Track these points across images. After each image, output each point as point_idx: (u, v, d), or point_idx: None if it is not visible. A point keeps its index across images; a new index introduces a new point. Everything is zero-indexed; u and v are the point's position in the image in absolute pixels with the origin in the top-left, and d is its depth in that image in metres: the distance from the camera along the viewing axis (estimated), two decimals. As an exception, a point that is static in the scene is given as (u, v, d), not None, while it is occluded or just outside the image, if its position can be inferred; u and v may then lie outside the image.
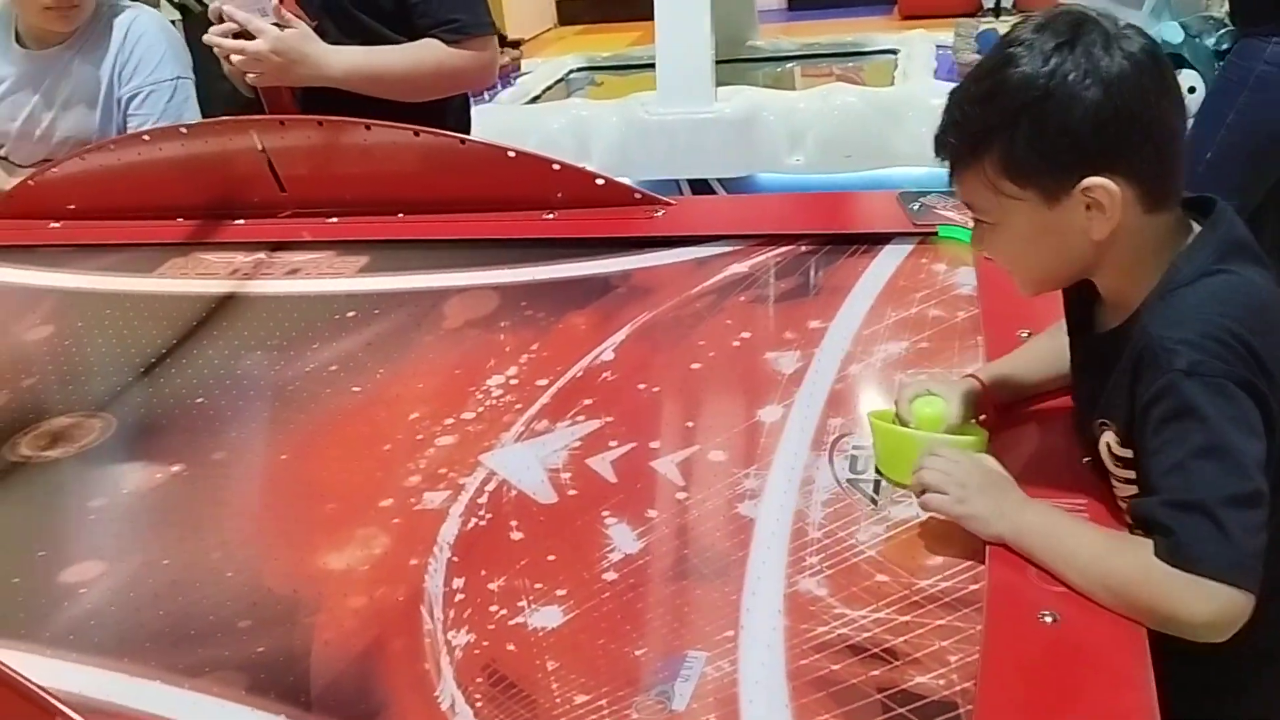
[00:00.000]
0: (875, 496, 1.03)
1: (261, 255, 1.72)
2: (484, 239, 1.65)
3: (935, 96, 2.56)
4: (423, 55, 1.72)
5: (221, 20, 1.67)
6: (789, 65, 3.32)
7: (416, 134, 1.64)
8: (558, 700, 0.81)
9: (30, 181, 1.87)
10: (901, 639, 0.84)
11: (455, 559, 1.01)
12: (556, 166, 1.63)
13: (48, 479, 1.24)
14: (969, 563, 0.92)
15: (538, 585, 0.96)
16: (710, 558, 0.98)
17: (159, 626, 0.95)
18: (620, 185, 1.64)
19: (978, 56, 2.73)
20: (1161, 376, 0.84)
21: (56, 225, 1.85)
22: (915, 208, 1.52)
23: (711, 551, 0.98)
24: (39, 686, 0.69)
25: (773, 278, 1.47)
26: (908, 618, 0.86)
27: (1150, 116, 0.87)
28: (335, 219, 1.76)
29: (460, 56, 1.73)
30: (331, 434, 1.28)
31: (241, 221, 1.80)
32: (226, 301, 1.61)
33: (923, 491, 0.93)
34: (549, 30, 8.65)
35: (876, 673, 0.81)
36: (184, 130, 1.77)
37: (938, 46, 2.91)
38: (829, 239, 1.52)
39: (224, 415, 1.33)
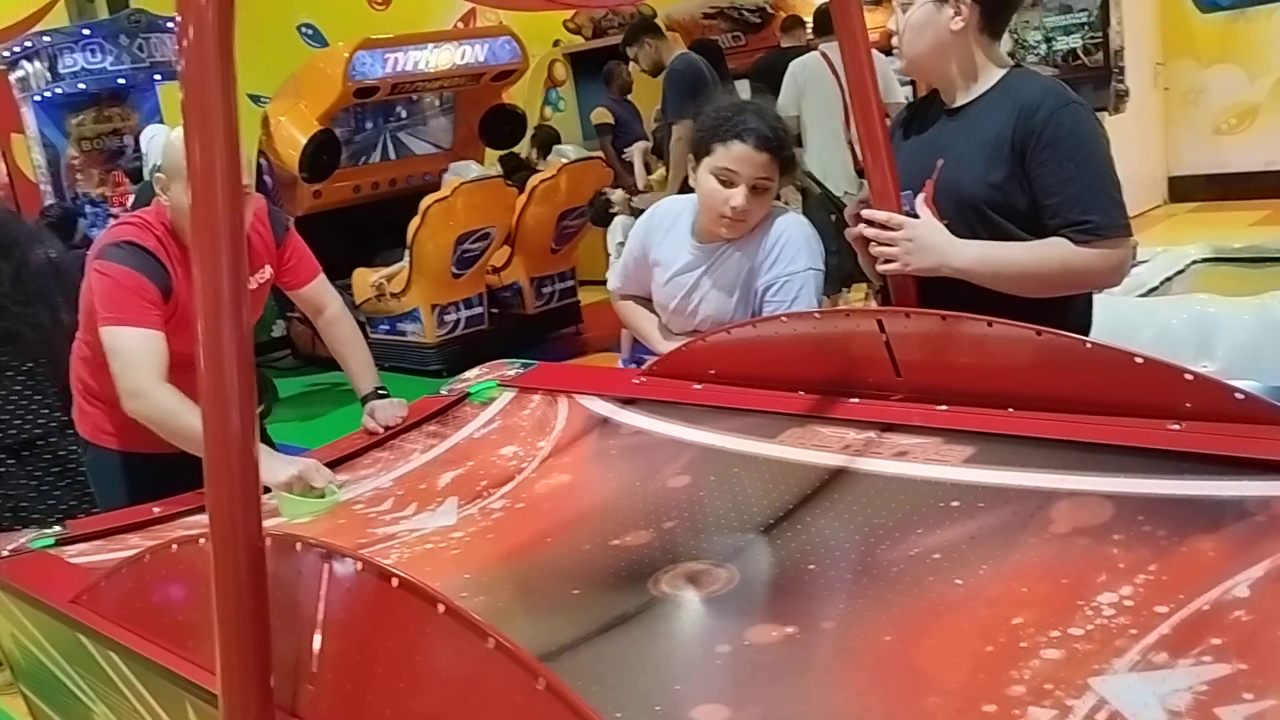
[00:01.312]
0: None
1: (872, 434, 1.83)
2: (1099, 443, 1.60)
3: None
4: (1048, 253, 1.75)
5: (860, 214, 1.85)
6: None
7: (1039, 333, 1.66)
8: None
9: (683, 348, 2.17)
10: None
11: (1064, 787, 0.98)
12: (1189, 376, 1.55)
13: (682, 616, 1.41)
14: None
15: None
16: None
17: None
18: (1266, 403, 1.51)
19: None
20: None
21: (699, 387, 2.13)
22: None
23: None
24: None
25: None
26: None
27: None
28: (945, 407, 1.82)
29: (1088, 256, 1.73)
30: (933, 624, 1.31)
31: (856, 400, 1.93)
32: (838, 475, 1.73)
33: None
34: (1158, 207, 8.21)
35: None
36: (817, 315, 1.96)
37: None
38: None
39: (833, 585, 1.43)
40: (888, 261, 1.86)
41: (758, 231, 2.20)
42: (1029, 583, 1.35)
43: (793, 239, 2.17)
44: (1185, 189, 8.28)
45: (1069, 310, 1.82)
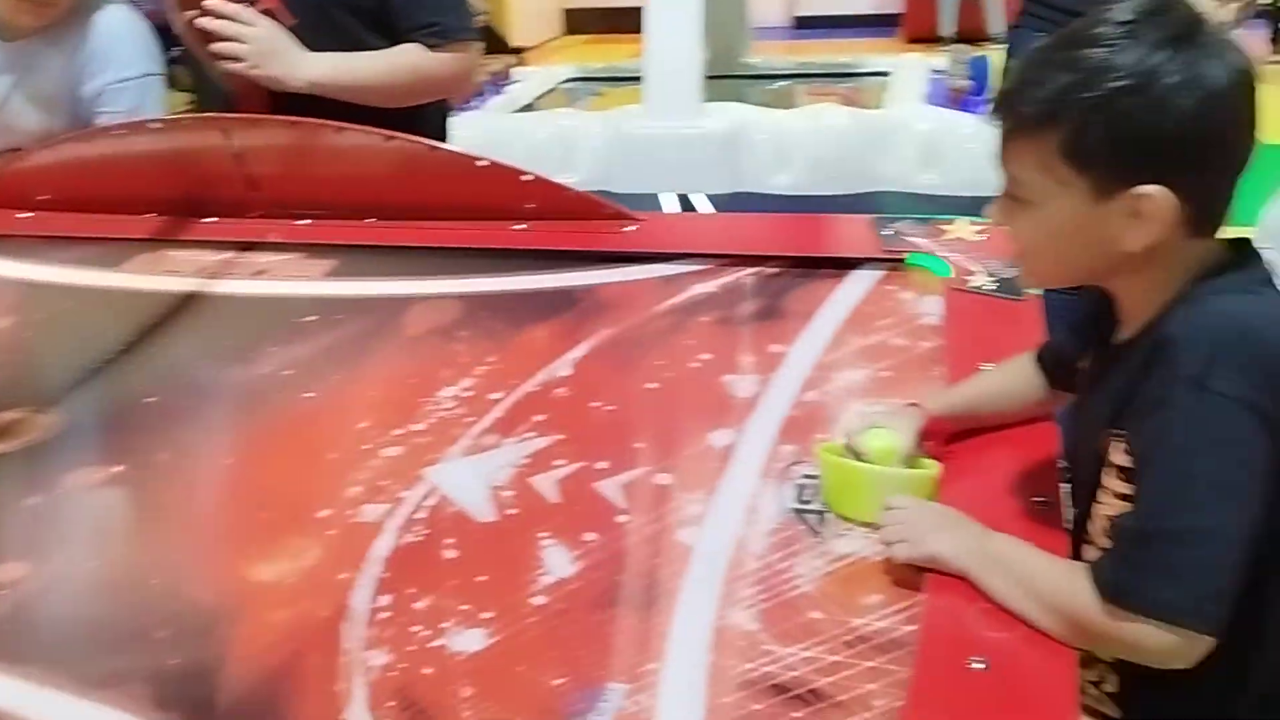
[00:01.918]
0: (819, 528, 1.01)
1: (230, 255, 1.70)
2: (452, 247, 1.62)
3: (923, 121, 2.55)
4: (399, 61, 1.70)
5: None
6: (782, 84, 3.30)
7: (388, 139, 1.62)
8: (467, 730, 0.79)
9: (2, 170, 1.85)
10: (828, 680, 0.82)
11: (385, 575, 0.99)
12: (527, 177, 1.61)
13: (-16, 474, 1.22)
14: (907, 602, 0.89)
15: (464, 607, 0.94)
16: (644, 585, 0.95)
17: (73, 633, 0.93)
18: (592, 198, 1.62)
19: (969, 83, 2.73)
20: (1167, 380, 0.80)
21: (26, 215, 1.83)
22: (889, 234, 1.50)
23: (646, 579, 0.96)
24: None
25: (738, 299, 1.45)
26: (838, 658, 0.84)
27: (1233, 140, 0.84)
28: (306, 221, 1.74)
29: (439, 61, 1.71)
30: (278, 440, 1.26)
31: (213, 220, 1.78)
32: (190, 300, 1.59)
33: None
34: (555, 39, 8.66)
35: (798, 715, 0.79)
36: (155, 126, 1.75)
37: (932, 71, 2.90)
38: (798, 261, 1.49)
39: (173, 416, 1.31)
40: (233, 61, 1.68)
41: (75, 29, 1.89)
42: (378, 387, 1.35)
43: (122, 38, 1.90)
44: (579, 22, 8.82)
45: (424, 119, 1.80)
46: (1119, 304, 0.93)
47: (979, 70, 2.66)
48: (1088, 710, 0.95)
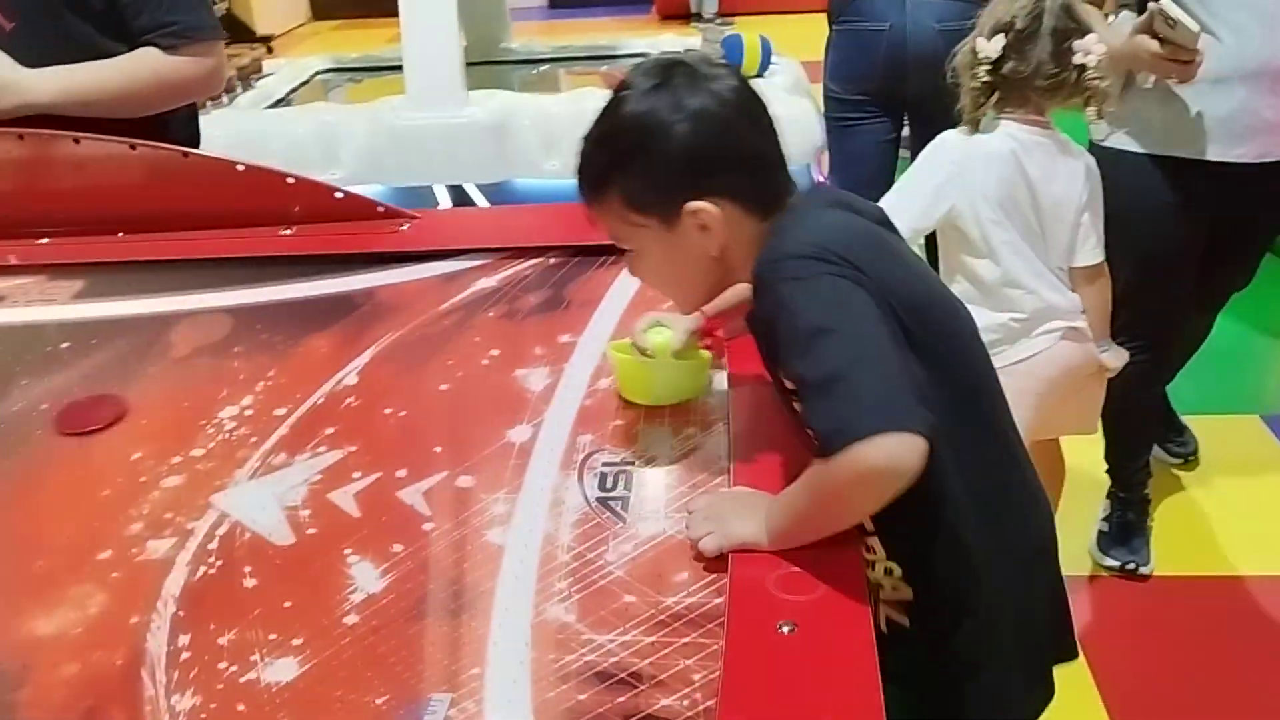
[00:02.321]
0: (624, 514, 1.03)
1: (-42, 282, 1.56)
2: (214, 258, 1.55)
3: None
4: (138, 68, 1.60)
5: None
6: (544, 68, 3.31)
7: (133, 147, 1.52)
8: (290, 764, 0.77)
9: None
10: (647, 661, 0.84)
11: (181, 613, 0.94)
12: (291, 180, 1.56)
13: None
14: (714, 576, 0.93)
15: (272, 636, 0.90)
16: (458, 591, 0.95)
17: None
18: (362, 199, 1.58)
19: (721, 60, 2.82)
20: (767, 294, 0.94)
21: None
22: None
23: (459, 584, 0.96)
24: None
25: (521, 292, 1.45)
26: (654, 638, 0.87)
27: (736, 143, 0.98)
28: (46, 240, 1.61)
29: (181, 65, 1.62)
30: (42, 481, 1.17)
31: (-67, 246, 1.62)
32: (-82, 336, 1.45)
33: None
34: (302, 25, 8.33)
35: (622, 699, 0.81)
36: None
37: (686, 51, 2.97)
38: (577, 250, 1.51)
39: (-86, 466, 1.19)
40: None
41: None
42: (149, 414, 1.27)
43: None
44: (327, 7, 8.50)
45: (171, 124, 1.70)
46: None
47: (732, 47, 2.75)
48: (890, 604, 1.06)
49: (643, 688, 0.82)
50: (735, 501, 0.97)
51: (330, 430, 1.20)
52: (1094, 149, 2.00)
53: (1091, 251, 1.82)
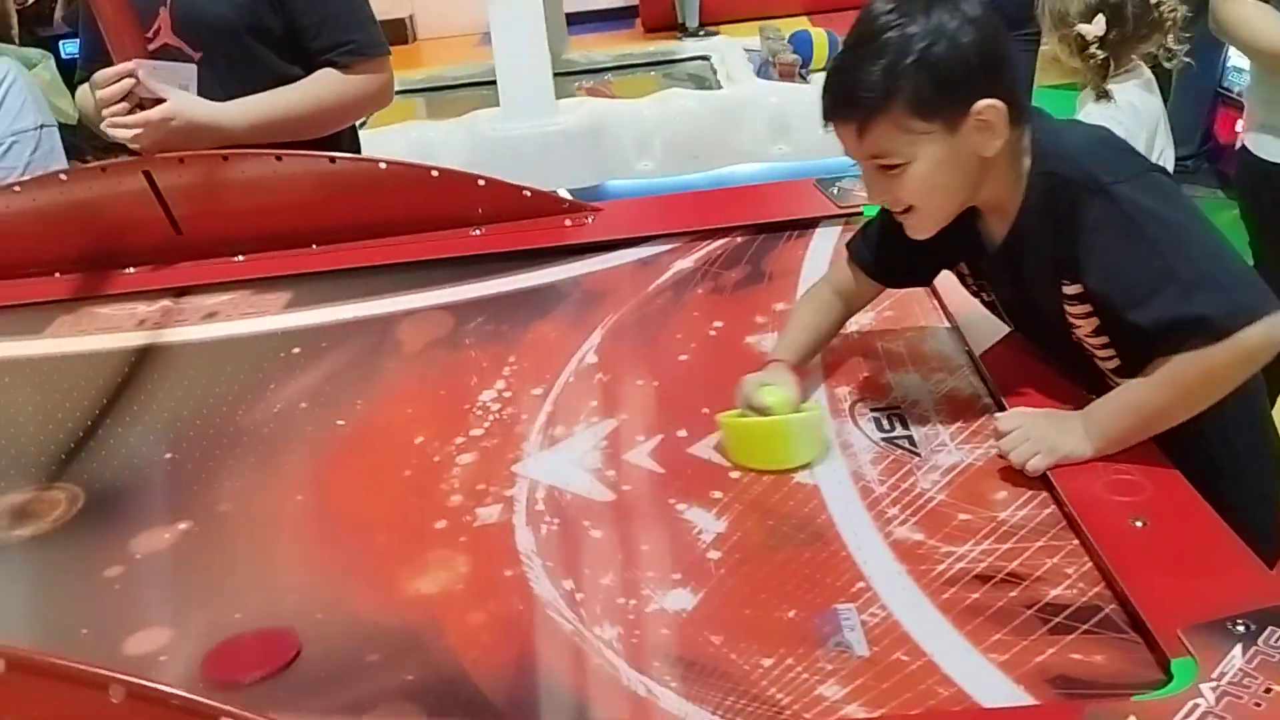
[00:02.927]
0: (916, 449, 1.12)
1: (167, 302, 1.62)
2: (414, 261, 1.62)
3: (771, 95, 2.72)
4: (322, 91, 1.68)
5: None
6: (607, 76, 3.40)
7: (333, 160, 1.60)
8: (746, 668, 0.85)
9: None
10: (1016, 563, 0.93)
11: (549, 564, 1.02)
12: (482, 182, 1.63)
13: (38, 556, 1.13)
14: (1030, 491, 1.02)
15: (649, 574, 0.98)
16: (798, 524, 1.03)
17: (289, 679, 0.90)
18: (548, 195, 1.66)
19: (796, 56, 2.93)
20: (1093, 201, 1.00)
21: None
22: (834, 192, 1.63)
23: (795, 518, 1.04)
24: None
25: (721, 269, 1.54)
26: (1008, 545, 0.96)
27: (1006, 47, 1.07)
28: (241, 258, 1.68)
29: (360, 83, 1.69)
30: (338, 469, 1.24)
31: (132, 270, 1.68)
32: (145, 354, 1.51)
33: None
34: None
35: (1015, 594, 0.89)
36: (63, 178, 1.63)
37: (746, 50, 3.09)
38: (761, 228, 1.60)
39: (206, 467, 1.26)
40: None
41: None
42: (409, 403, 1.34)
43: (14, 90, 1.76)
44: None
45: (340, 139, 1.78)
46: (986, 212, 1.13)
47: (802, 43, 2.87)
48: None
49: (1027, 583, 0.90)
50: (1051, 421, 1.05)
51: (594, 403, 1.28)
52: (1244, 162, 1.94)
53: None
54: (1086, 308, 1.07)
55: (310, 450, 1.27)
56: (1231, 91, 3.38)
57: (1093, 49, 1.89)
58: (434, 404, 1.34)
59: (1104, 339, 1.09)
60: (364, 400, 1.35)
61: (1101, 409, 1.04)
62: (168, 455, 1.29)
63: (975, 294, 1.24)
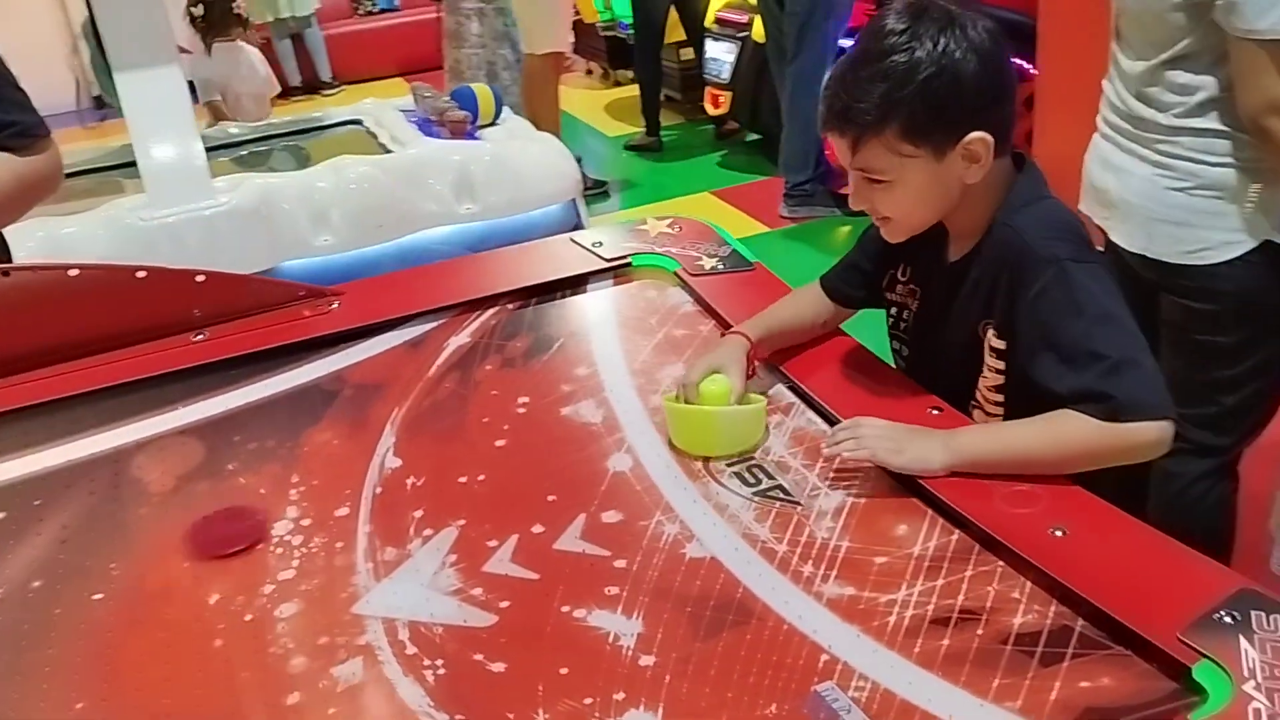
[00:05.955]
0: (793, 498, 1.07)
1: None
2: (129, 382, 1.34)
3: (453, 153, 2.59)
4: (4, 174, 1.37)
5: None
6: (249, 149, 3.07)
7: (6, 274, 1.29)
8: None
9: None
10: (960, 598, 0.90)
11: (459, 717, 0.85)
12: (200, 278, 1.39)
13: None
14: (926, 520, 1.00)
15: (587, 700, 0.85)
16: (719, 605, 0.94)
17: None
18: (279, 284, 1.45)
19: (465, 112, 2.81)
20: (1045, 271, 1.04)
21: None
22: (597, 245, 1.55)
23: (713, 599, 0.95)
24: None
25: (502, 340, 1.41)
26: (941, 580, 0.92)
27: (1007, 79, 1.09)
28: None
29: (38, 163, 1.40)
30: (119, 657, 0.97)
31: None
32: None
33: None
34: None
35: (981, 631, 0.86)
36: None
37: (401, 111, 2.92)
38: (531, 291, 1.49)
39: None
40: None
41: None
42: (184, 555, 1.09)
43: None
44: None
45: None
46: (953, 230, 1.16)
47: (465, 98, 2.75)
48: None
49: (984, 617, 0.87)
50: (910, 431, 1.06)
51: (418, 513, 1.11)
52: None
53: None
54: (1001, 364, 1.10)
55: (71, 643, 0.99)
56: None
57: None
58: (216, 550, 1.10)
59: (1000, 396, 1.12)
60: (119, 562, 1.09)
61: (969, 431, 1.06)
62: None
63: (897, 300, 1.25)
